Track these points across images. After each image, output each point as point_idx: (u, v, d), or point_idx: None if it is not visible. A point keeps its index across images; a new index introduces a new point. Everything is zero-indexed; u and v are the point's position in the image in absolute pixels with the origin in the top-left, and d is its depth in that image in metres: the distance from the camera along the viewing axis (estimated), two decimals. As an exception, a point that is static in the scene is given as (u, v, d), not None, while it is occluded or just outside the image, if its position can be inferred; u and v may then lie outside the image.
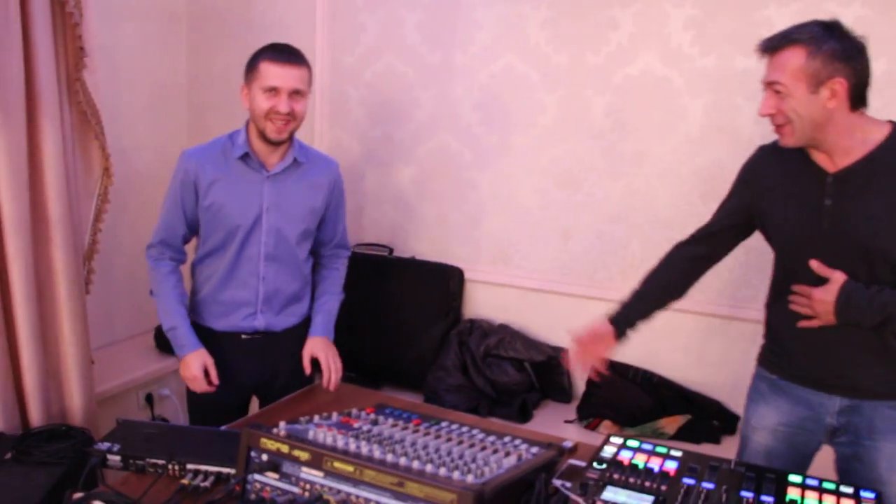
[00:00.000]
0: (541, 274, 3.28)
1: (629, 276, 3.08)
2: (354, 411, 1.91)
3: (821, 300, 1.86)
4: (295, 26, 3.60)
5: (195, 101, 3.94)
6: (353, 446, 1.54)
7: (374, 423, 1.83)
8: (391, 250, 3.51)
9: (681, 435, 2.89)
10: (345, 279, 2.77)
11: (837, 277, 1.85)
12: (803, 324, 1.93)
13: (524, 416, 3.03)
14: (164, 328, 2.43)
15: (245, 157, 2.40)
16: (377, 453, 1.51)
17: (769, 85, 1.83)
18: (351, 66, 3.55)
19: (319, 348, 2.54)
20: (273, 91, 2.28)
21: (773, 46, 1.81)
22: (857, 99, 1.80)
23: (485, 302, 3.43)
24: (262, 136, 2.35)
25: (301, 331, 2.60)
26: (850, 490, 1.68)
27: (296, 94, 2.33)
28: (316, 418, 1.79)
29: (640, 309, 2.20)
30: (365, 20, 3.46)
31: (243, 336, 2.51)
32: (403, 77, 3.44)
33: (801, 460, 2.06)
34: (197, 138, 3.93)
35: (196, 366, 2.38)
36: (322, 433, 1.60)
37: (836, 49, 1.75)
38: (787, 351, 2.05)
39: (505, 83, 3.23)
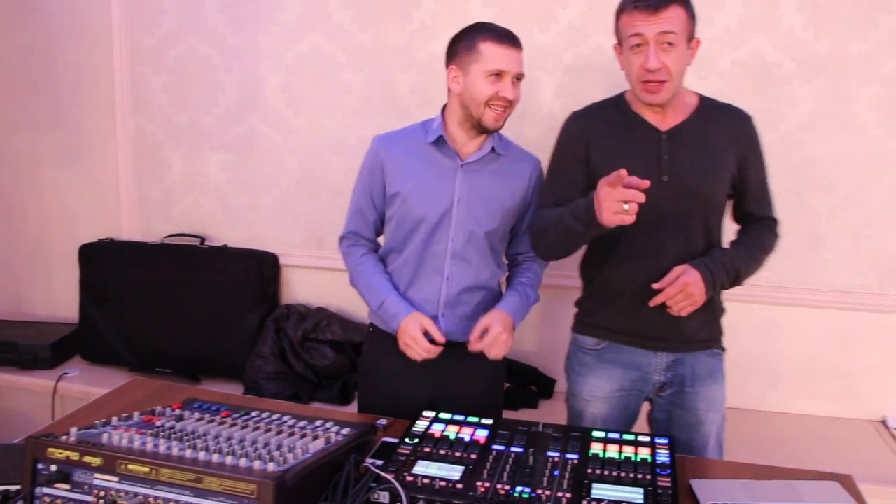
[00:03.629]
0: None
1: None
2: (159, 408, 1.83)
3: (693, 282, 1.91)
4: (87, 7, 3.40)
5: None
6: (150, 446, 1.47)
7: (179, 419, 1.75)
8: (203, 240, 3.40)
9: (501, 403, 2.96)
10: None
11: (679, 268, 1.93)
12: (681, 312, 1.95)
13: (345, 398, 3.02)
14: (373, 308, 2.21)
15: (438, 142, 2.17)
16: (175, 450, 1.45)
17: (663, 35, 1.84)
18: (152, 49, 3.38)
19: (496, 319, 2.13)
20: (498, 75, 2.06)
21: (657, 4, 1.82)
22: None
23: (302, 286, 3.39)
24: (477, 123, 2.12)
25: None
26: (646, 439, 1.80)
27: (517, 79, 2.11)
28: (114, 420, 1.69)
29: None
30: (163, 1, 3.31)
31: None
32: (207, 60, 3.32)
33: (630, 419, 2.18)
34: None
35: (413, 326, 2.10)
36: (118, 435, 1.51)
37: (694, 9, 1.89)
38: (616, 310, 2.10)
39: (311, 63, 3.18)
